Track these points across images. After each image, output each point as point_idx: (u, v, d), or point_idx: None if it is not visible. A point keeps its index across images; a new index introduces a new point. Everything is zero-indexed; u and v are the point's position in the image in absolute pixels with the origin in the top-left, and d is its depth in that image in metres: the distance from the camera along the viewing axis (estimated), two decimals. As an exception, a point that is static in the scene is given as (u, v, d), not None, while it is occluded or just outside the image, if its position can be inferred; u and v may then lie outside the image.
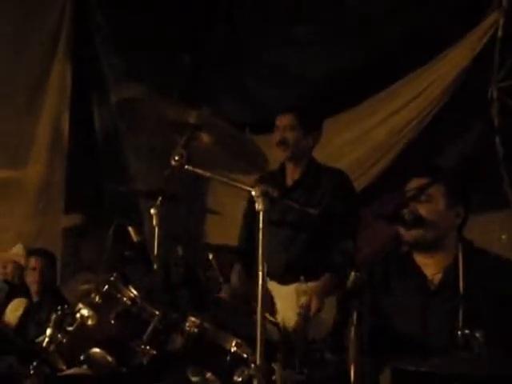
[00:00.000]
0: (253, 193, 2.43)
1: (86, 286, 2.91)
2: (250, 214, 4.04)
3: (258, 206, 2.41)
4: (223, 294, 3.71)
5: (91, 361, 2.61)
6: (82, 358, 2.65)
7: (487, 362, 2.31)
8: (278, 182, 3.94)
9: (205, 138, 2.81)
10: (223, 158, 2.92)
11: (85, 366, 2.64)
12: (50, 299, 4.88)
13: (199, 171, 2.68)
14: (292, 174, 4.02)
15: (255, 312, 2.72)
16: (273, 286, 3.93)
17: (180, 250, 2.99)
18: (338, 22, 5.37)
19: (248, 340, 2.60)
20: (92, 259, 5.38)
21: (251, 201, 3.88)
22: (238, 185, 2.58)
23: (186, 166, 2.68)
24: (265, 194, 2.40)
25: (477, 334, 2.39)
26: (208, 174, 2.69)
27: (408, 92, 5.11)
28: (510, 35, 4.64)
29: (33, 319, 4.84)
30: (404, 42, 5.06)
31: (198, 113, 2.73)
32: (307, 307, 3.55)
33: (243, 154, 2.92)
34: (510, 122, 4.63)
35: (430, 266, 2.80)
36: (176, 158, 2.69)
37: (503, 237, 4.65)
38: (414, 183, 2.79)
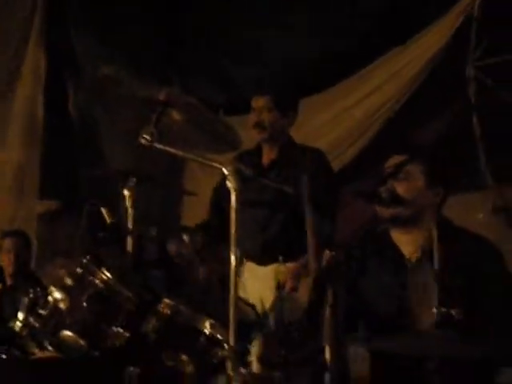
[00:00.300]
0: (225, 171, 2.38)
1: (62, 271, 2.85)
2: (223, 188, 4.00)
3: (230, 184, 2.36)
4: (200, 276, 3.67)
5: (63, 344, 2.57)
6: (53, 341, 2.59)
7: (463, 341, 2.28)
8: (254, 161, 3.91)
9: (176, 115, 2.75)
10: (195, 137, 2.86)
11: (57, 350, 2.59)
12: (25, 282, 4.82)
13: (170, 149, 2.62)
14: (268, 154, 3.99)
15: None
16: (251, 266, 3.90)
17: (153, 231, 2.94)
18: (313, 4, 5.33)
19: (223, 322, 2.56)
20: (68, 244, 5.33)
21: (225, 178, 3.88)
22: (210, 163, 2.53)
23: (156, 145, 2.62)
24: (237, 172, 2.35)
25: (453, 312, 2.37)
26: (179, 153, 2.63)
27: (384, 72, 5.10)
28: (486, 14, 4.62)
29: (7, 302, 4.77)
30: (380, 22, 5.03)
31: (169, 90, 2.67)
32: (282, 287, 3.53)
33: (215, 133, 2.86)
34: (486, 100, 4.61)
35: (408, 244, 2.77)
36: (146, 136, 2.63)
37: (480, 216, 4.65)
38: (393, 161, 2.76)
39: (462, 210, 4.50)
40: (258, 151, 4.02)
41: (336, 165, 4.83)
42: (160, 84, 2.89)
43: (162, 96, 2.66)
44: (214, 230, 3.99)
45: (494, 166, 4.63)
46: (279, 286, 3.50)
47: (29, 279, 4.89)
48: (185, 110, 2.75)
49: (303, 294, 3.72)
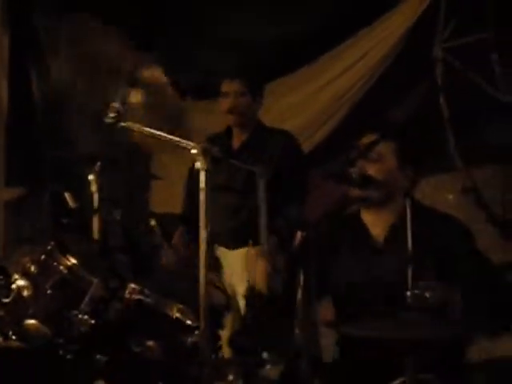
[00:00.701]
0: (193, 151, 2.32)
1: (27, 259, 2.77)
2: (193, 178, 3.96)
3: (199, 164, 2.30)
4: (164, 259, 3.62)
5: (27, 333, 2.49)
6: (17, 330, 2.52)
7: (438, 323, 2.26)
8: (224, 144, 3.87)
9: (133, 98, 2.67)
10: (147, 120, 2.78)
11: (20, 339, 2.51)
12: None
13: (137, 128, 2.54)
14: (239, 137, 3.97)
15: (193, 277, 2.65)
16: (221, 251, 3.87)
17: (117, 215, 2.88)
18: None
19: (192, 306, 2.51)
20: (32, 231, 5.25)
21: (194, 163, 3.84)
22: (178, 142, 2.46)
23: (122, 123, 2.54)
24: (206, 152, 2.29)
25: (426, 294, 2.35)
26: (146, 131, 2.55)
27: (351, 55, 5.06)
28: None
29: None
30: (347, 3, 4.99)
31: (151, 68, 2.59)
32: (253, 270, 3.50)
33: (170, 119, 2.80)
34: (454, 82, 4.60)
35: (377, 226, 2.74)
36: (111, 114, 2.55)
37: (450, 197, 4.66)
38: (364, 140, 2.72)
39: (432, 191, 4.51)
40: (228, 134, 3.98)
41: (305, 147, 4.80)
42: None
43: (146, 73, 2.58)
44: (190, 219, 3.96)
45: (462, 148, 4.63)
46: (249, 270, 3.49)
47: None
48: (148, 93, 2.68)
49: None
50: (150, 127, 2.50)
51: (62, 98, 6.05)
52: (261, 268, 3.59)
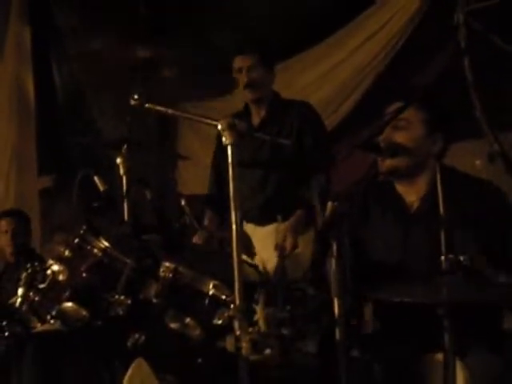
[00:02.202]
0: (219, 126, 2.31)
1: (62, 247, 2.80)
2: (220, 158, 3.97)
3: (226, 140, 2.29)
4: (197, 240, 3.63)
5: (64, 316, 2.52)
6: (54, 313, 2.55)
7: (472, 287, 2.24)
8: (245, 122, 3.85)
9: (166, 72, 2.68)
10: (188, 90, 2.79)
11: (58, 322, 2.54)
12: (26, 260, 4.76)
13: (161, 109, 2.55)
14: (258, 113, 3.96)
15: (231, 256, 2.65)
16: (250, 228, 3.87)
17: (148, 195, 2.89)
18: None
19: (226, 284, 2.52)
20: (65, 219, 5.29)
21: (220, 142, 3.84)
22: (203, 120, 2.46)
23: (147, 105, 2.55)
24: (231, 127, 2.28)
25: (461, 258, 2.32)
26: (170, 111, 2.56)
27: (372, 24, 5.03)
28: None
29: (9, 281, 4.72)
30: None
31: (153, 49, 2.59)
32: (282, 246, 3.50)
33: (208, 81, 2.78)
34: (477, 46, 4.53)
35: (411, 194, 2.72)
36: (135, 96, 2.55)
37: (477, 162, 4.62)
38: (391, 108, 2.69)
39: (460, 157, 4.45)
40: (246, 112, 3.97)
41: (332, 120, 4.79)
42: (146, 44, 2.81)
43: (147, 54, 2.59)
44: (215, 199, 3.97)
45: (488, 112, 4.56)
46: (278, 246, 3.48)
47: (30, 257, 4.84)
48: (175, 65, 2.67)
49: (303, 250, 3.70)
50: (190, 96, 2.50)
51: (81, 87, 6.10)
52: (290, 244, 3.61)
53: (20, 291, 2.73)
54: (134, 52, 2.60)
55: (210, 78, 2.58)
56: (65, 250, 2.70)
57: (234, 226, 2.27)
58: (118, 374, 2.37)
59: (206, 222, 3.95)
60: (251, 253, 3.79)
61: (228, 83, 2.99)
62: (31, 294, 2.70)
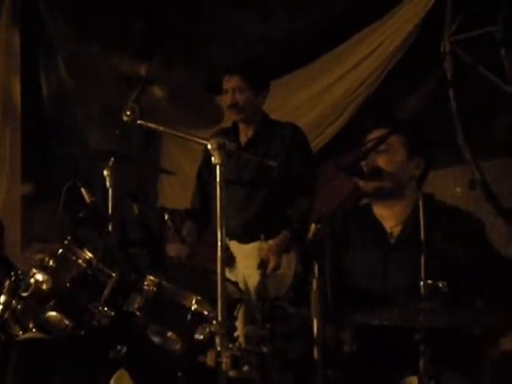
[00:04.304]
0: (209, 146, 2.36)
1: (39, 256, 2.82)
2: (205, 173, 4.01)
3: (215, 159, 2.33)
4: (175, 253, 3.66)
5: (47, 325, 2.54)
6: (37, 322, 2.57)
7: (450, 313, 2.29)
8: (231, 140, 3.88)
9: (157, 92, 2.72)
10: (176, 114, 2.84)
11: (41, 331, 2.56)
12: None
13: (152, 126, 2.60)
14: (245, 132, 4.00)
15: (209, 271, 2.69)
16: (233, 245, 3.90)
17: (136, 208, 2.92)
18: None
19: (204, 298, 2.56)
20: (44, 228, 5.27)
21: (206, 158, 3.89)
22: (193, 138, 2.50)
23: (139, 121, 2.59)
24: (221, 147, 2.33)
25: (440, 284, 2.38)
26: (161, 129, 2.60)
27: (362, 49, 5.08)
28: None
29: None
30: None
31: (148, 65, 2.63)
32: (265, 265, 3.54)
33: (198, 109, 2.84)
34: (463, 75, 4.61)
35: (389, 219, 2.78)
36: (128, 112, 2.59)
37: (458, 190, 4.69)
38: (374, 134, 2.75)
39: (440, 184, 4.53)
40: (234, 130, 4.01)
41: (317, 143, 4.84)
42: (138, 58, 2.85)
43: (143, 71, 2.63)
44: (198, 214, 4.00)
45: (471, 141, 4.64)
46: (262, 264, 3.52)
47: (2, 265, 4.81)
48: (167, 87, 2.72)
49: (285, 270, 3.75)
50: (179, 120, 2.54)
51: (69, 96, 6.11)
52: (273, 264, 3.66)
53: (2, 299, 2.73)
54: (125, 65, 2.63)
55: (204, 104, 2.64)
56: (49, 259, 2.72)
57: (219, 243, 2.30)
58: (100, 385, 2.40)
59: (184, 232, 3.97)
60: (232, 269, 3.84)
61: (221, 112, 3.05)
62: (13, 301, 2.70)
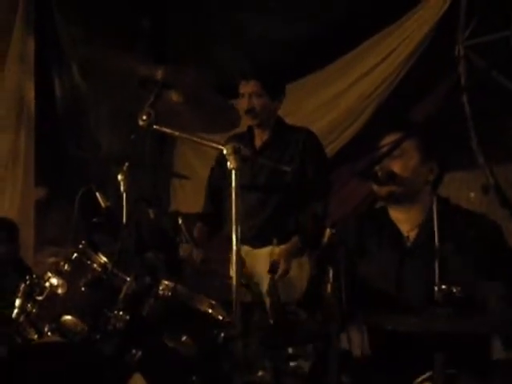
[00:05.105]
0: (224, 151, 2.37)
1: (53, 259, 2.83)
2: (217, 177, 4.03)
3: (230, 164, 2.35)
4: (189, 257, 3.67)
5: (63, 329, 2.55)
6: (53, 326, 2.58)
7: (464, 319, 2.29)
8: (246, 144, 3.90)
9: (173, 96, 2.73)
10: (193, 117, 2.85)
11: (57, 335, 2.57)
12: (14, 270, 4.77)
13: (168, 131, 2.61)
14: (260, 137, 4.01)
15: (222, 275, 2.70)
16: (245, 250, 3.90)
17: (151, 213, 2.93)
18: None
19: (220, 303, 2.57)
20: (57, 232, 5.29)
21: (219, 162, 3.90)
22: (208, 143, 2.52)
23: (154, 126, 2.61)
24: (237, 152, 2.34)
25: (454, 290, 2.37)
26: (177, 134, 2.62)
27: (376, 54, 5.10)
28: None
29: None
30: (369, 3, 5.01)
31: (164, 69, 2.64)
32: (275, 270, 3.54)
33: (214, 112, 2.84)
34: (476, 80, 4.61)
35: (405, 222, 2.78)
36: (144, 117, 2.61)
37: (472, 195, 4.68)
38: (388, 139, 2.75)
39: (454, 188, 4.52)
40: (249, 134, 4.02)
41: (332, 148, 4.84)
42: (152, 62, 2.85)
43: (159, 74, 2.64)
44: (210, 218, 4.01)
45: (485, 146, 4.64)
46: (272, 269, 3.52)
47: (18, 267, 4.83)
48: (183, 91, 2.73)
49: (298, 274, 3.75)
50: (195, 124, 2.55)
51: (83, 100, 6.14)
52: (282, 269, 3.66)
53: (17, 302, 2.74)
54: (140, 68, 2.64)
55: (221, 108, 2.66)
56: (64, 263, 2.73)
57: (234, 248, 2.31)
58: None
59: (195, 234, 3.99)
60: (245, 274, 3.84)
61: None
62: (29, 305, 2.71)
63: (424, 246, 2.66)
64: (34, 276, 2.79)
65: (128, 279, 2.56)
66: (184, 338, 2.49)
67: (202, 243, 3.94)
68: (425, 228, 2.70)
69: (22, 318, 2.69)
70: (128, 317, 2.48)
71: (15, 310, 2.72)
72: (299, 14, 5.35)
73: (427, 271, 2.55)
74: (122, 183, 3.34)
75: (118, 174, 3.37)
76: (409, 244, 2.75)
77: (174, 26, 6.06)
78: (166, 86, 2.69)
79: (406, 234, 2.76)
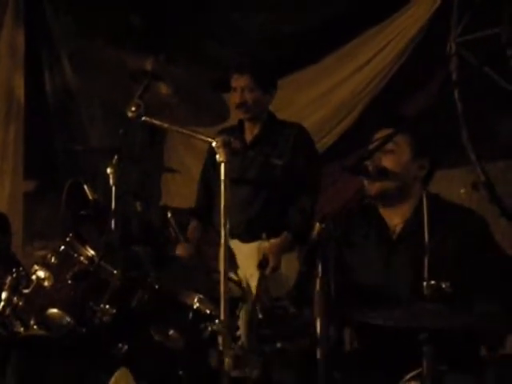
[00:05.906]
0: (213, 144, 2.34)
1: (42, 252, 2.81)
2: (209, 171, 4.01)
3: (220, 157, 2.33)
4: (180, 252, 3.66)
5: (49, 322, 2.53)
6: (39, 319, 2.55)
7: (453, 314, 2.28)
8: (236, 138, 3.88)
9: (163, 88, 2.71)
10: (182, 110, 2.82)
11: (43, 328, 2.55)
12: (4, 264, 4.73)
13: (157, 123, 2.59)
14: (251, 131, 3.99)
15: (212, 270, 2.68)
16: (234, 244, 3.89)
17: (139, 207, 2.91)
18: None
19: (207, 297, 2.55)
20: (45, 225, 5.27)
21: (211, 155, 3.88)
22: (198, 136, 2.50)
23: (143, 118, 2.58)
24: (226, 145, 2.32)
25: (443, 285, 2.36)
26: (166, 126, 2.60)
27: (369, 50, 5.09)
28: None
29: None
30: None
31: (154, 60, 2.62)
32: (264, 265, 3.53)
33: (203, 105, 2.82)
34: (468, 76, 4.60)
35: (394, 218, 2.77)
36: (133, 108, 2.58)
37: (462, 191, 4.67)
38: (380, 134, 2.74)
39: (445, 184, 4.52)
40: (240, 127, 4.00)
41: (323, 144, 4.83)
42: (143, 53, 2.83)
43: (149, 66, 2.61)
44: (202, 212, 4.00)
45: (475, 142, 4.63)
46: (262, 264, 3.51)
47: (8, 261, 4.80)
48: (172, 83, 2.70)
49: (287, 269, 3.74)
50: (184, 116, 2.53)
51: (73, 92, 6.11)
52: (272, 264, 3.65)
53: (4, 295, 2.72)
54: (130, 59, 2.62)
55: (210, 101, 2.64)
56: (51, 256, 2.70)
57: (222, 242, 2.29)
58: (101, 383, 2.38)
59: (189, 230, 3.97)
60: (235, 268, 3.83)
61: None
62: (15, 298, 2.69)
63: (409, 240, 2.66)
64: (21, 269, 2.77)
65: (115, 272, 2.54)
66: (171, 332, 2.48)
67: (195, 241, 3.93)
68: (411, 222, 2.69)
69: (8, 311, 2.67)
70: (114, 310, 2.46)
71: (1, 303, 2.70)
72: (291, 10, 5.32)
73: (413, 264, 2.54)
74: (110, 176, 3.31)
75: (107, 167, 3.35)
76: (394, 237, 2.74)
77: (162, 19, 6.03)
78: (155, 78, 2.67)
79: (392, 228, 2.75)
